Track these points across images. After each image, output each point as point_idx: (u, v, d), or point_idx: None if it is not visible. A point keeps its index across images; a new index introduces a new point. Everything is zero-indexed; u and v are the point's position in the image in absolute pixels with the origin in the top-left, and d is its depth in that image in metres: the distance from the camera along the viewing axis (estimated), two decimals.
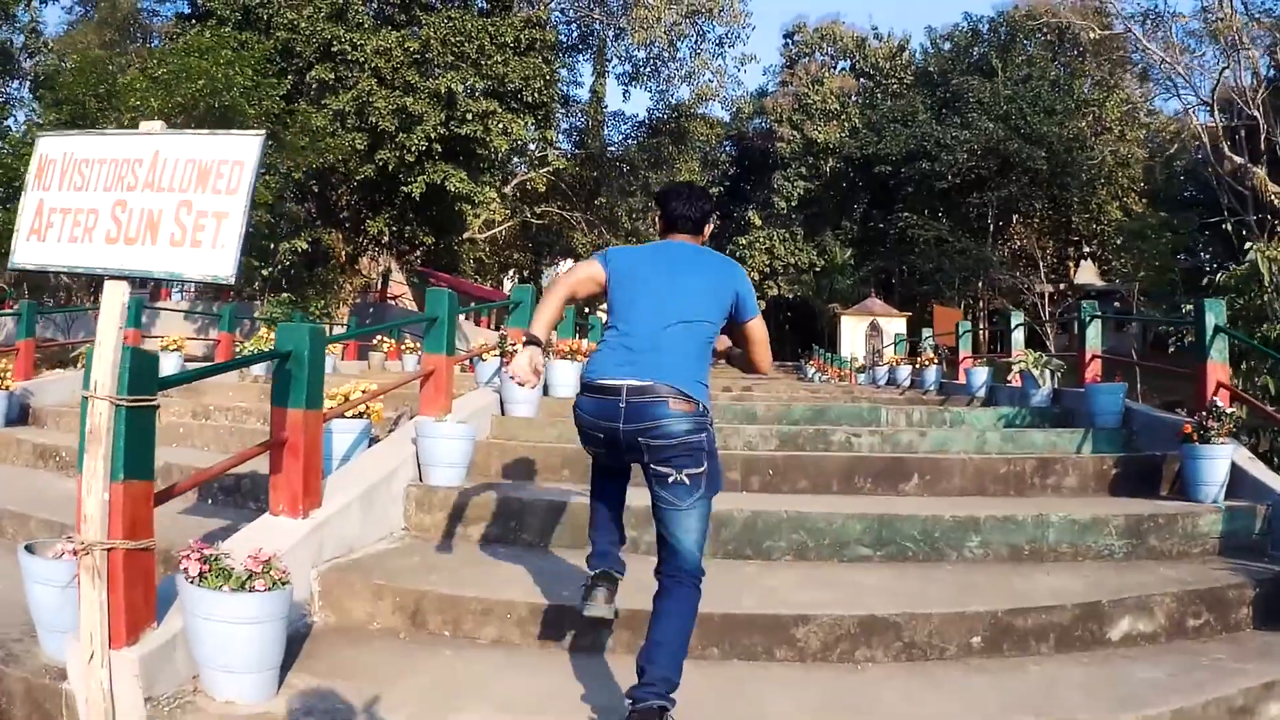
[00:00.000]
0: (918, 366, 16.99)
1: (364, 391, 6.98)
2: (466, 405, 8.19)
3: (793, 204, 55.32)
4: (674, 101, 39.44)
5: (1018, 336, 13.07)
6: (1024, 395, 10.75)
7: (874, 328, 40.86)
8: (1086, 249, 52.04)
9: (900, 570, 5.61)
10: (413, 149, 21.93)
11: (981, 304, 48.63)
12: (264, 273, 23.33)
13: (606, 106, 44.49)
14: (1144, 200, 48.62)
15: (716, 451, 4.02)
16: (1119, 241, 44.62)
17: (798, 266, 53.51)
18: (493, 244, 47.25)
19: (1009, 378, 12.31)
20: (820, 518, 5.81)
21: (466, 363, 11.09)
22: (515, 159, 31.50)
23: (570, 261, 49.92)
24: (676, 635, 3.58)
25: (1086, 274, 53.70)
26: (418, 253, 33.97)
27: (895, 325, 41.41)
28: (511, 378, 3.87)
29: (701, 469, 3.68)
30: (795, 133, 57.20)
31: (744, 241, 55.39)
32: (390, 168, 22.51)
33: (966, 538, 5.90)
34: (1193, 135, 36.97)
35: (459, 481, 6.45)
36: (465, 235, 38.18)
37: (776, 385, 23.55)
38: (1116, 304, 53.14)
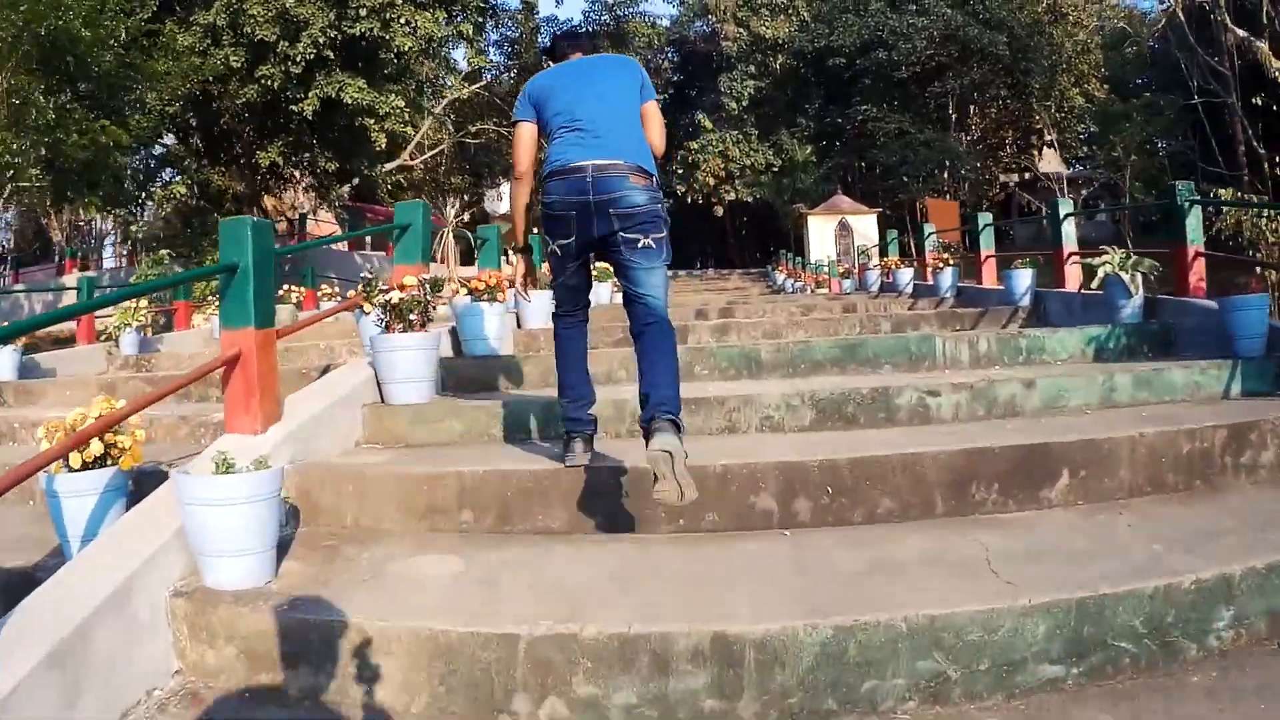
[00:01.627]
0: (927, 269, 14.25)
1: (100, 416, 3.98)
2: (318, 396, 5.27)
3: (743, 104, 52.45)
4: (610, 2, 36.27)
5: (1069, 229, 10.18)
6: (1109, 308, 7.90)
7: (843, 226, 37.83)
8: (1049, 136, 49.91)
9: (1126, 708, 2.78)
10: (299, 59, 18.41)
11: (949, 196, 46.07)
12: (132, 227, 20.02)
13: (538, 13, 41.42)
14: (1105, 86, 47.36)
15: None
16: (1091, 128, 43.01)
17: (754, 168, 50.34)
18: (430, 169, 44.27)
19: (1081, 284, 9.47)
20: (973, 622, 2.88)
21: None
22: (444, 77, 27.78)
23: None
24: (668, 368, 4.01)
25: (1051, 162, 51.56)
26: (346, 185, 30.69)
27: (866, 223, 38.56)
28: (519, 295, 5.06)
29: (663, 234, 4.18)
30: (741, 30, 54.17)
31: (695, 146, 52.25)
32: (276, 85, 19.05)
33: (1213, 614, 3.11)
34: (1168, 13, 34.28)
35: (265, 575, 3.50)
36: (397, 161, 35.71)
37: (753, 298, 20.80)
38: (1084, 191, 51.41)
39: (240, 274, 4.47)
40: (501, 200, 51.38)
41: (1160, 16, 38.24)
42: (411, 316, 5.71)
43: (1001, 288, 11.23)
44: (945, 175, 44.37)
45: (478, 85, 37.22)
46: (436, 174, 45.53)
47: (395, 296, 5.71)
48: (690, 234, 59.15)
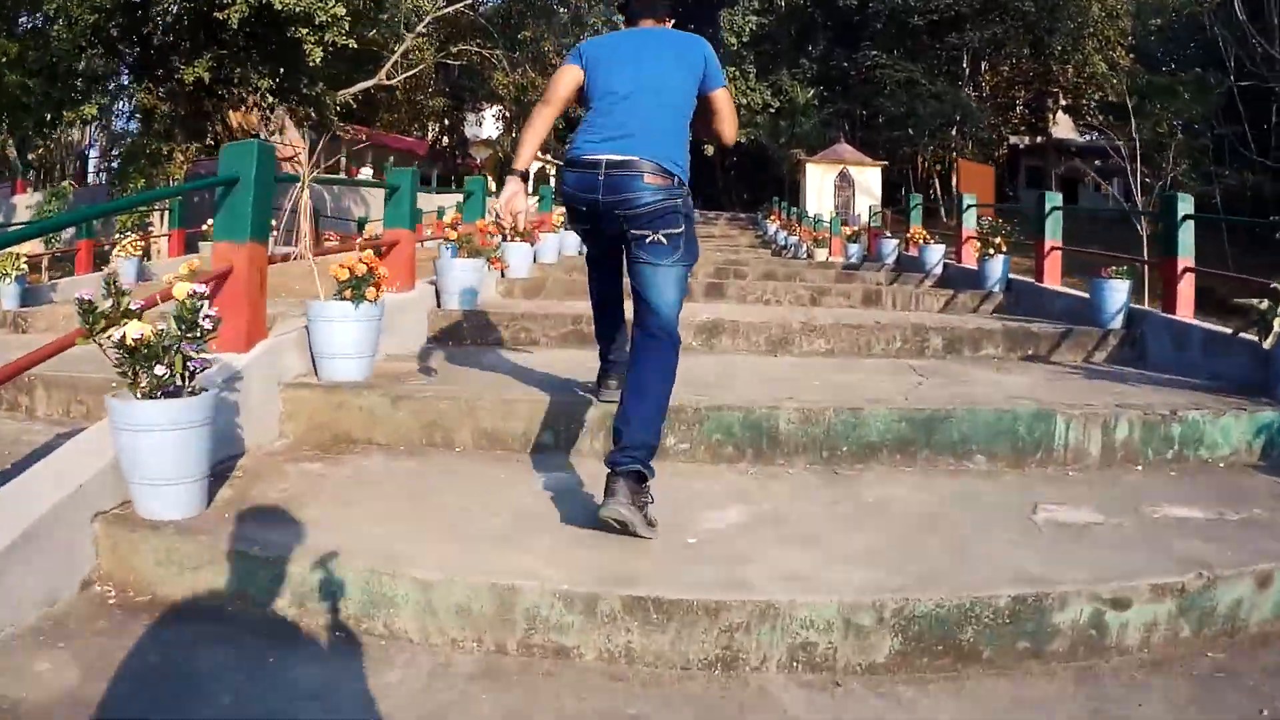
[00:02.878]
0: (964, 248, 11.80)
1: None
2: None
3: (744, 40, 49.71)
4: None
5: (1186, 238, 7.56)
6: (1264, 366, 5.41)
7: (844, 178, 35.32)
8: (1064, 101, 47.25)
9: None
10: None
11: (955, 153, 43.45)
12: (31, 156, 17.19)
13: None
14: (1130, 55, 45.11)
15: (694, 219, 3.86)
16: (1110, 97, 40.77)
17: (750, 107, 47.43)
18: (408, 91, 41.41)
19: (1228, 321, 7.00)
20: None
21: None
22: None
23: (497, 108, 44.13)
24: (656, 395, 3.48)
25: (1064, 128, 49.00)
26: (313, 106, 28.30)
27: (869, 176, 36.10)
28: (496, 222, 4.56)
29: (679, 230, 3.68)
30: None
31: None
32: None
33: None
34: None
35: None
36: (373, 81, 32.98)
37: (742, 251, 18.21)
38: (1097, 162, 48.50)
39: None
40: (481, 125, 48.43)
41: None
42: (159, 370, 3.10)
43: (1070, 293, 8.83)
44: (953, 132, 41.55)
45: (461, 4, 34.33)
46: (414, 96, 42.74)
47: (134, 332, 3.06)
48: None
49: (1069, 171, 48.78)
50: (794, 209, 29.10)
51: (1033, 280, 9.78)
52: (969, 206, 12.09)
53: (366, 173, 39.14)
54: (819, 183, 35.36)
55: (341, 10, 15.63)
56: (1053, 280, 9.57)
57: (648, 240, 3.63)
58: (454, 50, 35.93)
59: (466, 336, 6.74)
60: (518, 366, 5.52)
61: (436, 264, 7.03)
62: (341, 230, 25.38)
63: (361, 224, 24.02)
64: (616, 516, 3.13)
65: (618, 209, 3.63)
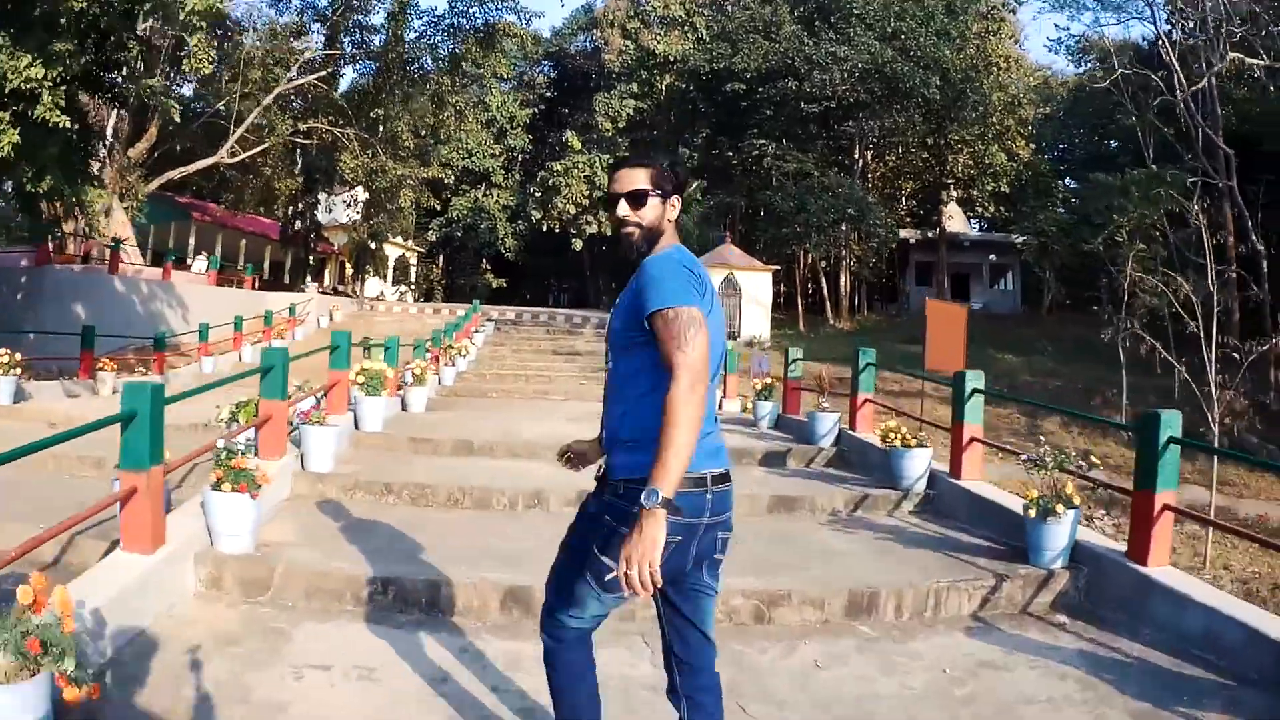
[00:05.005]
0: (963, 454, 7.96)
1: None
2: None
3: (620, 126, 46.52)
4: None
5: None
6: None
7: (730, 284, 31.67)
8: (956, 193, 44.99)
9: None
10: None
11: (844, 252, 40.49)
12: None
13: None
14: (1030, 145, 45.29)
15: None
16: (1002, 188, 38.91)
17: None
18: (252, 170, 37.43)
19: None
20: None
21: None
22: (190, 45, 19.62)
23: (357, 192, 39.83)
24: None
25: (956, 221, 46.76)
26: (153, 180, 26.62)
27: (758, 283, 32.53)
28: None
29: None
30: (628, 43, 48.25)
31: (559, 168, 46.20)
32: None
33: None
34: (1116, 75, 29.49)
35: None
36: (211, 160, 31.15)
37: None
38: (991, 256, 46.13)
39: None
40: (332, 210, 43.88)
41: (1104, 74, 33.54)
42: None
43: (1244, 621, 5.07)
44: (845, 227, 38.34)
45: (313, 76, 30.99)
46: (263, 173, 38.54)
47: None
48: (543, 267, 52.95)
49: (960, 267, 46.39)
50: None
51: (1135, 565, 5.79)
52: (971, 392, 8.14)
53: (200, 265, 34.46)
54: None
55: (39, 72, 10.54)
56: (1159, 563, 5.66)
57: (720, 564, 2.87)
58: (303, 128, 32.36)
59: None
60: None
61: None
62: (136, 349, 20.81)
63: (160, 341, 19.25)
64: None
65: (720, 530, 2.79)
